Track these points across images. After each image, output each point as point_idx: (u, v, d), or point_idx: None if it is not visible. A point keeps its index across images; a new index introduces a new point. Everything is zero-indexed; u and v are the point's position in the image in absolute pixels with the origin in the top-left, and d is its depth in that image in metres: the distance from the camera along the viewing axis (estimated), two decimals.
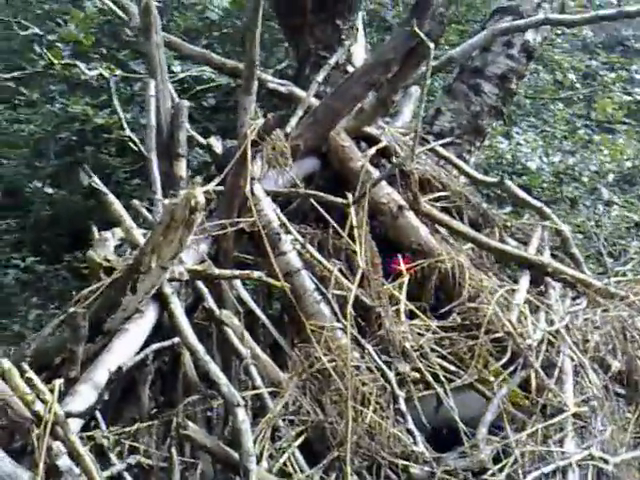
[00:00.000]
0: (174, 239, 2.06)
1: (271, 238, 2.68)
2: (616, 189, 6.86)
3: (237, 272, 2.32)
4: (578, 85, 6.95)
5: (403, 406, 2.76)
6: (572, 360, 3.13)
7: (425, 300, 3.43)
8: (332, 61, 3.81)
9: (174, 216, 2.01)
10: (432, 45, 2.94)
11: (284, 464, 2.46)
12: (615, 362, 3.32)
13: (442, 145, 4.26)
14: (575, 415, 2.88)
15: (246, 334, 2.50)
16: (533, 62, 6.50)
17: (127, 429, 2.38)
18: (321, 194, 3.05)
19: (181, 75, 5.30)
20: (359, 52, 4.26)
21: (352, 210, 2.89)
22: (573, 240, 4.93)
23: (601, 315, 3.42)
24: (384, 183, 3.56)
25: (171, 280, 2.29)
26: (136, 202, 2.77)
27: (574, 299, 3.65)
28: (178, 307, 2.33)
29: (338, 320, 2.83)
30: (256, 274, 2.33)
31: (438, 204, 3.86)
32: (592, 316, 3.41)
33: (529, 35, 4.22)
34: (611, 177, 6.18)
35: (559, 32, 7.14)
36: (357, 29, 4.30)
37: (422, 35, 2.91)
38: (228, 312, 2.43)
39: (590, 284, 3.54)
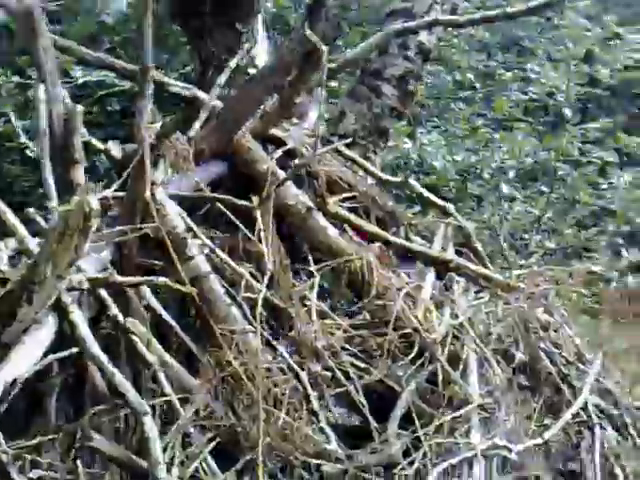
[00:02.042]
0: (69, 247, 1.99)
1: (177, 243, 2.64)
2: (518, 185, 7.17)
3: (140, 278, 2.27)
4: (477, 85, 7.23)
5: (316, 405, 2.79)
6: (476, 353, 3.24)
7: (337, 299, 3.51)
8: (232, 64, 3.80)
9: (68, 223, 1.95)
10: (325, 48, 2.97)
11: (196, 470, 2.44)
12: (518, 353, 3.47)
13: (347, 146, 4.34)
14: (480, 407, 2.97)
15: (155, 341, 2.46)
16: (434, 63, 6.72)
17: (30, 443, 2.30)
18: (226, 197, 3.03)
19: (81, 80, 5.16)
20: (261, 55, 4.28)
21: (258, 213, 2.89)
22: (480, 236, 5.14)
23: (503, 308, 3.56)
24: (292, 185, 3.58)
25: (70, 289, 2.22)
26: (31, 210, 2.67)
27: (478, 293, 3.80)
28: (79, 317, 2.26)
29: (250, 323, 2.83)
30: (160, 279, 2.29)
31: (346, 204, 3.93)
32: (494, 309, 3.54)
33: (423, 37, 4.34)
34: (512, 174, 6.45)
35: (457, 33, 7.41)
36: (258, 32, 4.34)
37: (314, 38, 2.94)
38: (133, 320, 2.38)
39: (491, 278, 3.67)
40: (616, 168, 6.55)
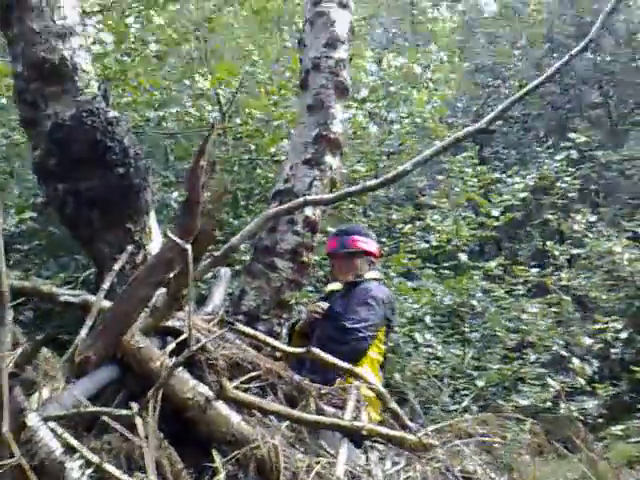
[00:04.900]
0: None
1: (53, 469, 2.52)
2: (445, 326, 7.25)
3: None
4: (384, 239, 7.52)
5: None
6: None
7: None
8: (116, 267, 3.86)
9: None
10: (189, 246, 3.07)
11: None
12: None
13: (250, 324, 4.38)
14: None
15: None
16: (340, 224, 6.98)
17: None
18: (103, 410, 2.94)
19: None
20: (156, 249, 4.38)
21: (137, 420, 2.81)
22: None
23: (421, 470, 3.46)
24: (188, 377, 3.53)
25: None
26: None
27: (398, 456, 3.70)
28: None
29: None
30: None
31: (252, 385, 3.87)
32: (413, 474, 3.44)
33: (308, 211, 4.60)
34: (428, 319, 6.55)
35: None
36: (151, 228, 4.47)
37: (176, 239, 3.04)
38: None
39: (403, 440, 3.60)
40: (525, 300, 6.75)
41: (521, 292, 6.78)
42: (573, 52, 4.05)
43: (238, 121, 7.37)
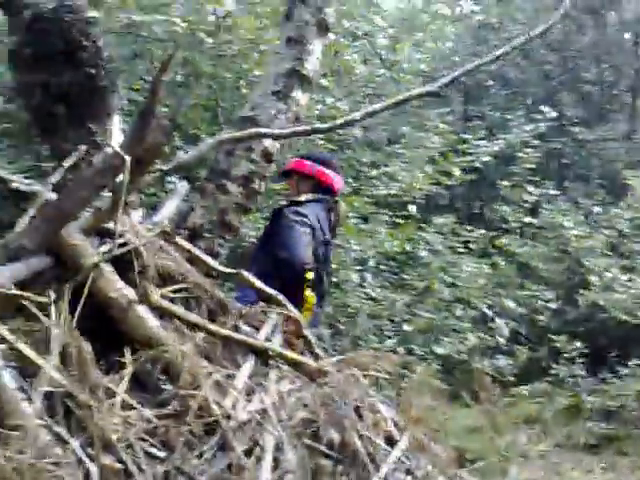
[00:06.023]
0: None
1: None
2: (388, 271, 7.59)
3: None
4: (350, 179, 7.73)
5: None
6: (274, 437, 3.46)
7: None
8: (66, 164, 4.07)
9: None
10: (128, 158, 3.30)
11: None
12: (327, 434, 3.71)
13: (191, 240, 4.65)
14: None
15: None
16: None
17: None
18: (24, 293, 3.23)
19: None
20: None
21: (52, 307, 3.10)
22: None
23: (312, 393, 3.82)
24: (117, 279, 3.82)
25: None
26: None
27: (297, 378, 4.05)
28: None
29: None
30: None
31: (178, 295, 4.17)
32: (304, 394, 3.80)
33: (266, 142, 4.81)
34: (372, 262, 6.88)
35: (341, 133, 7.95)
36: (113, 131, 4.66)
37: (118, 150, 3.27)
38: None
39: (304, 364, 3.95)
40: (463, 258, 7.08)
41: (464, 251, 7.09)
42: (532, 34, 4.18)
43: (229, 37, 7.41)
